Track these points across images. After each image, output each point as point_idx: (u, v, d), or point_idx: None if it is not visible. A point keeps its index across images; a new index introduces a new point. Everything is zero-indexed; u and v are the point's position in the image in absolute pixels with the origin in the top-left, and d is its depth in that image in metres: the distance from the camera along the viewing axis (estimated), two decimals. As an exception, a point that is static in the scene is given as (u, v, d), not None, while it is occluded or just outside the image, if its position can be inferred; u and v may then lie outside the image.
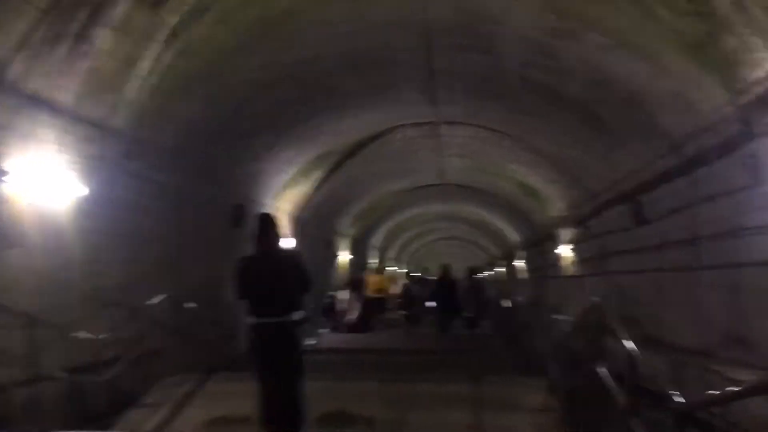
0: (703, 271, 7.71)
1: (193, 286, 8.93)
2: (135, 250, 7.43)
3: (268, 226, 5.20)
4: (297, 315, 4.94)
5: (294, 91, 9.21)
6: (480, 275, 17.94)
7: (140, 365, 6.87)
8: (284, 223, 13.66)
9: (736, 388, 3.30)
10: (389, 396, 6.73)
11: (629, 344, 3.91)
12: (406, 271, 36.24)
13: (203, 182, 9.22)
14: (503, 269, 34.16)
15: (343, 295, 15.75)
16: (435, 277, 17.07)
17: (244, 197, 10.87)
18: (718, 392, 3.56)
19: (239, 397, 6.73)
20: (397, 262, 37.83)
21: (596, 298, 6.19)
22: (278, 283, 4.93)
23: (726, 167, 6.89)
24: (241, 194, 10.72)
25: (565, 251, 16.56)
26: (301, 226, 14.79)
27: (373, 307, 15.16)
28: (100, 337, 5.92)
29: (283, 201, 13.09)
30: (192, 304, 8.16)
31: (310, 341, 11.97)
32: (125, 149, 6.98)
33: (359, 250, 23.82)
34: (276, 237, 5.19)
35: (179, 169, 8.45)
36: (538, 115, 10.88)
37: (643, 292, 10.22)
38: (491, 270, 39.37)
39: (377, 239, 27.74)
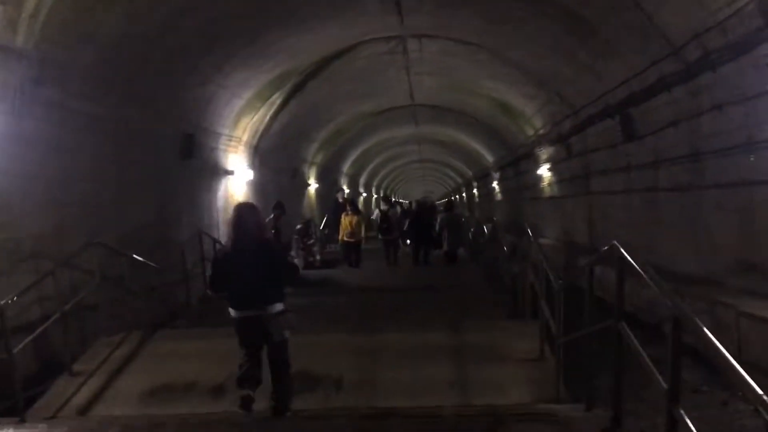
0: (707, 191, 6.92)
1: (136, 227, 7.95)
2: (59, 192, 6.38)
3: (245, 216, 5.00)
4: (277, 307, 4.86)
5: (235, 3, 8.00)
6: (457, 210, 17.10)
7: (73, 323, 5.97)
8: (242, 153, 12.59)
9: None
10: (360, 349, 5.95)
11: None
12: (381, 195, 35.63)
13: (141, 111, 8.09)
14: (477, 191, 33.54)
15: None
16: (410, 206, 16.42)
17: (195, 126, 9.75)
18: None
19: (185, 358, 5.93)
20: (368, 188, 36.92)
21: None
22: (256, 277, 4.83)
23: (737, 72, 5.99)
24: (190, 123, 9.60)
25: (543, 171, 15.78)
26: (260, 156, 13.72)
27: (349, 252, 14.23)
28: (15, 298, 4.94)
29: (239, 129, 11.97)
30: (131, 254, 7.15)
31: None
32: (35, 74, 5.83)
33: (328, 178, 22.81)
34: (254, 228, 4.97)
35: (110, 96, 7.31)
36: (516, 22, 9.80)
37: (633, 214, 9.48)
38: (468, 192, 38.82)
39: (347, 166, 26.69)
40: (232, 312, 4.90)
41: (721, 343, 2.47)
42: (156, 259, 7.89)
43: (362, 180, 33.17)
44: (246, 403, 4.67)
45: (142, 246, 7.62)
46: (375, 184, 39.86)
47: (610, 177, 10.43)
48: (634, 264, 3.45)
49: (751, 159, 5.86)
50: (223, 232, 11.27)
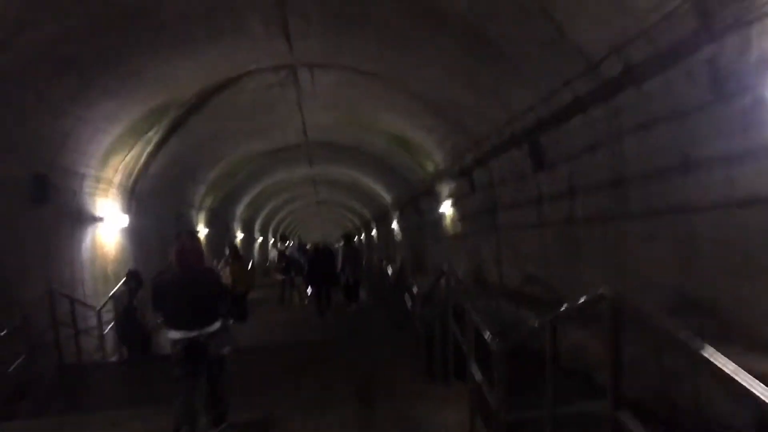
0: (633, 220, 6.25)
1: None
2: None
3: (186, 245, 5.36)
4: (214, 327, 5.25)
5: (90, 18, 6.77)
6: (355, 242, 16.82)
7: None
8: (114, 196, 11.13)
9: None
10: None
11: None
12: (278, 236, 34.19)
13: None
14: (375, 233, 32.80)
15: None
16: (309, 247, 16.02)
17: (49, 165, 8.30)
18: None
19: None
20: (264, 232, 35.43)
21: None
22: (195, 299, 5.19)
23: (666, 84, 5.37)
24: (43, 161, 8.14)
25: (446, 208, 15.13)
26: (138, 200, 12.25)
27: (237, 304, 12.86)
28: None
29: (110, 170, 10.51)
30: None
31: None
32: None
33: (219, 223, 21.32)
34: (194, 256, 5.36)
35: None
36: (413, 46, 9.06)
37: (547, 250, 8.79)
38: (366, 234, 38.06)
39: (240, 210, 25.25)
40: (173, 334, 5.17)
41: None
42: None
43: (257, 225, 31.70)
44: None
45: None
46: (272, 227, 38.40)
47: (519, 210, 9.78)
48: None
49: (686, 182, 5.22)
50: (89, 289, 9.74)
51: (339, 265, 14.72)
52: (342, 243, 15.59)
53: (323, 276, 14.35)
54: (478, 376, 4.11)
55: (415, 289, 7.64)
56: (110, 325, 9.60)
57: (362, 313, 12.80)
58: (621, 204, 6.44)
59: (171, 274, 5.29)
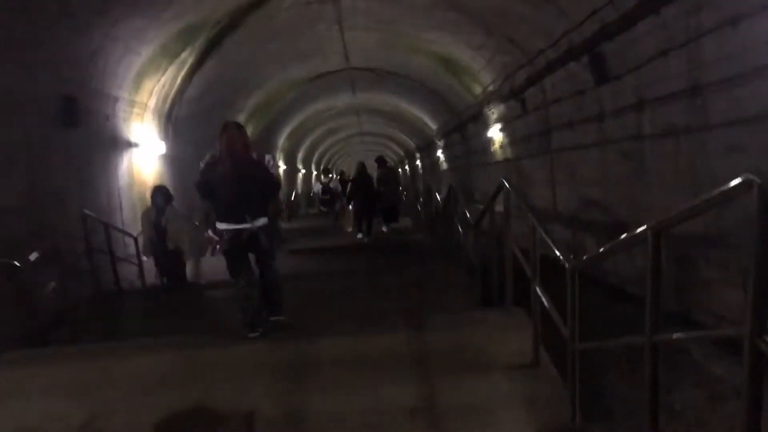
0: (712, 131, 5.55)
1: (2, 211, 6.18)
2: None
3: (233, 137, 5.32)
4: (263, 220, 5.31)
5: None
6: (390, 163, 16.63)
7: None
8: (150, 122, 10.75)
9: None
10: (283, 365, 4.37)
11: None
12: (321, 169, 33.90)
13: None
14: (420, 163, 32.15)
15: None
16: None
17: (78, 87, 7.88)
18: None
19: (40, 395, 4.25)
20: (307, 164, 35.08)
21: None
22: (245, 191, 5.18)
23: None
24: (71, 82, 7.73)
25: (494, 133, 14.40)
26: (175, 127, 11.87)
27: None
28: None
29: (144, 93, 10.08)
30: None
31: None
32: None
33: (261, 153, 20.94)
34: (242, 148, 5.31)
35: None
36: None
37: (608, 171, 8.12)
38: (411, 164, 37.45)
39: (281, 140, 24.80)
40: (222, 226, 5.24)
41: None
42: (29, 252, 6.15)
43: (300, 155, 31.32)
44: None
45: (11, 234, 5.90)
46: (314, 160, 38.01)
47: (577, 129, 9.06)
48: None
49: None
50: (128, 216, 9.48)
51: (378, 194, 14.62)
52: (377, 167, 15.12)
53: (364, 197, 14.31)
54: (544, 301, 3.59)
55: (466, 213, 7.08)
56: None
57: (408, 241, 12.34)
58: (698, 114, 5.72)
59: (220, 165, 5.21)
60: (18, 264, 5.69)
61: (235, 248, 5.26)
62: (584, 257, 2.95)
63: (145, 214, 8.67)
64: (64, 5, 6.83)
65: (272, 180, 5.55)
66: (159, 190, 8.68)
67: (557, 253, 3.19)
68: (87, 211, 7.68)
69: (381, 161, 15.48)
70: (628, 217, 7.40)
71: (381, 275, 7.72)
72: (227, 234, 5.22)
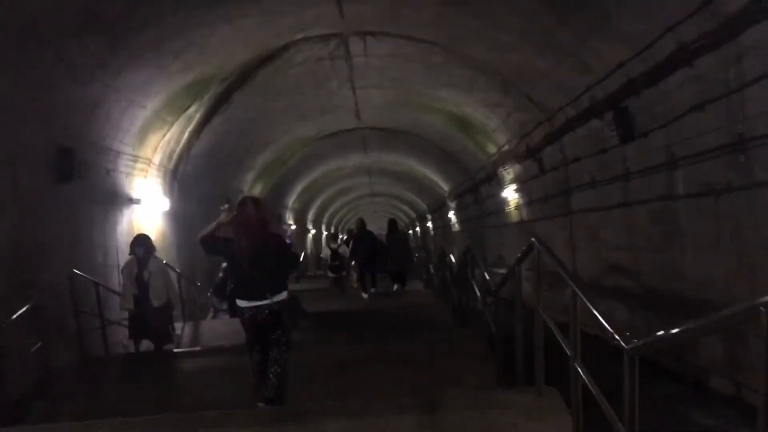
0: (760, 189, 5.05)
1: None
2: None
3: (250, 211, 5.23)
4: (282, 296, 5.19)
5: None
6: (401, 228, 16.33)
7: None
8: (154, 177, 10.38)
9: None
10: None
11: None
12: (329, 233, 33.51)
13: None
14: (431, 224, 31.71)
15: None
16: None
17: (76, 139, 7.52)
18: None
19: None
20: (318, 225, 34.69)
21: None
22: (265, 268, 5.09)
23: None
24: (69, 134, 7.37)
25: (509, 194, 13.96)
26: (180, 183, 11.50)
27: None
28: None
29: (148, 148, 9.73)
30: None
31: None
32: None
33: (271, 213, 20.57)
34: (260, 220, 5.24)
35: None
36: (480, 4, 8.00)
37: (635, 234, 7.60)
38: (422, 225, 37.03)
39: (292, 200, 24.48)
40: (243, 303, 5.14)
41: None
42: (11, 312, 5.67)
43: (310, 216, 30.99)
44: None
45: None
46: (325, 220, 37.67)
47: (599, 190, 8.59)
48: None
49: None
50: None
51: (383, 250, 14.21)
52: (387, 230, 14.82)
53: (367, 256, 13.84)
54: (590, 386, 2.98)
55: (486, 276, 6.52)
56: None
57: (419, 305, 11.72)
58: (742, 171, 5.24)
59: (237, 242, 5.15)
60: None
61: (254, 325, 5.16)
62: (649, 338, 2.41)
63: (126, 267, 7.73)
64: (59, 52, 6.50)
65: (291, 253, 5.54)
66: (140, 240, 7.77)
67: (608, 328, 2.64)
68: (76, 271, 7.13)
69: (392, 225, 15.16)
70: (662, 284, 6.83)
71: (390, 343, 7.14)
72: (247, 312, 5.13)
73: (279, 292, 5.15)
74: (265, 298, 5.06)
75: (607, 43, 6.91)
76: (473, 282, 7.60)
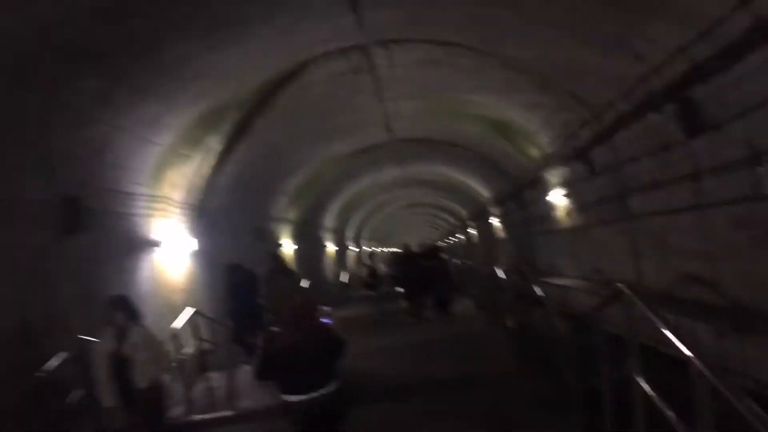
0: None
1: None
2: None
3: (296, 304, 5.15)
4: (333, 385, 4.93)
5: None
6: (441, 254, 16.38)
7: None
8: (177, 216, 9.74)
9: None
10: None
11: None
12: (364, 252, 32.76)
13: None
14: (475, 231, 30.70)
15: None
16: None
17: (82, 186, 6.88)
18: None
19: None
20: (357, 242, 34.01)
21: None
22: (314, 361, 4.88)
23: None
24: (73, 182, 6.73)
25: (555, 198, 13.01)
26: (206, 219, 10.84)
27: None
28: None
29: (165, 186, 9.07)
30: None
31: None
32: None
33: (308, 236, 19.89)
34: (307, 312, 5.14)
35: None
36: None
37: (713, 239, 6.63)
38: (464, 233, 36.02)
39: (329, 220, 23.83)
40: (292, 398, 4.88)
41: None
42: (17, 392, 5.02)
43: (349, 234, 30.32)
44: None
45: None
46: (363, 236, 36.98)
47: (663, 191, 7.63)
48: None
49: None
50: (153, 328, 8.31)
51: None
52: (426, 256, 14.62)
53: (414, 278, 14.07)
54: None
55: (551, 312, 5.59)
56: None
57: (470, 335, 10.79)
58: None
59: (283, 339, 4.96)
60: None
61: (309, 419, 4.87)
62: None
63: (100, 344, 5.88)
64: (53, 92, 5.87)
65: (339, 340, 5.16)
66: (118, 304, 5.92)
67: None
68: (83, 337, 6.30)
69: (432, 254, 14.90)
70: (752, 300, 5.86)
71: (440, 391, 6.27)
72: (298, 407, 4.86)
73: (330, 380, 4.93)
74: (315, 390, 4.82)
75: (663, 25, 5.99)
76: (544, 302, 6.65)
